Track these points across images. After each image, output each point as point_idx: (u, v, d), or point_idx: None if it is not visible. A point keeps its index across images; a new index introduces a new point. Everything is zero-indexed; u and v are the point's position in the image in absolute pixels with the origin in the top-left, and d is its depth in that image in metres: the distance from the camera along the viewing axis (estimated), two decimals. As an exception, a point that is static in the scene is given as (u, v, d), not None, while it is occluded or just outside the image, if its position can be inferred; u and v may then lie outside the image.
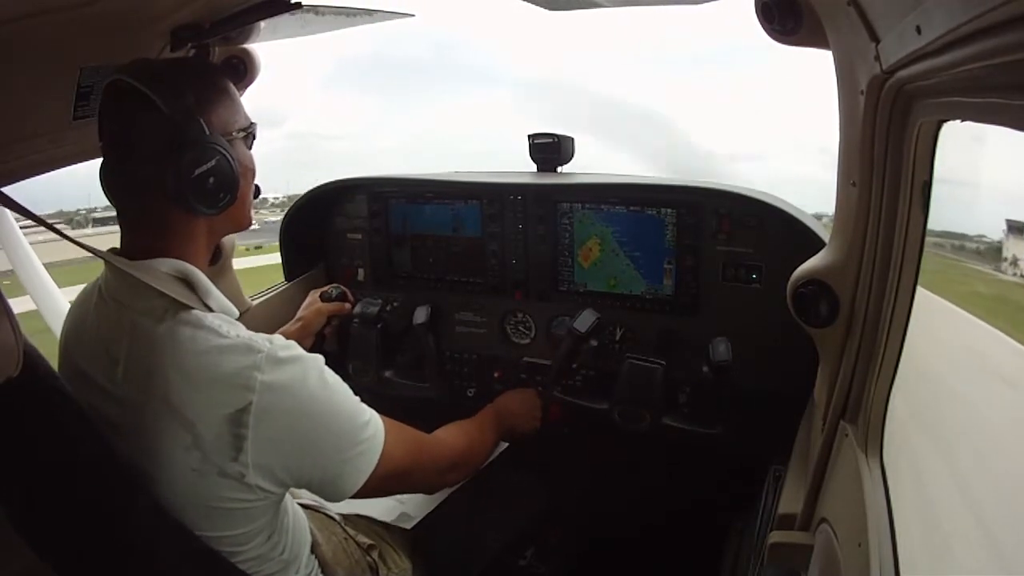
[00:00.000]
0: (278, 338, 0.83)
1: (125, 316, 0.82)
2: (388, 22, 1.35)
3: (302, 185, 1.78)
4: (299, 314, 1.55)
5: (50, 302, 2.14)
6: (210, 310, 0.84)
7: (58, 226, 0.84)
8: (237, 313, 0.87)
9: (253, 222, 0.98)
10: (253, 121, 0.93)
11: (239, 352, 0.79)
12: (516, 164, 1.70)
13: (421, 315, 1.58)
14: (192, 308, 0.81)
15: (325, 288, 1.60)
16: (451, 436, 1.15)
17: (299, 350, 0.84)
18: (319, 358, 0.86)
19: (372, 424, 0.90)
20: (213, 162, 0.82)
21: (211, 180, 0.82)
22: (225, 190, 0.84)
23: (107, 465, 0.78)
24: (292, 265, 1.78)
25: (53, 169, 1.17)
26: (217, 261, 1.50)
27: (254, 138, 0.94)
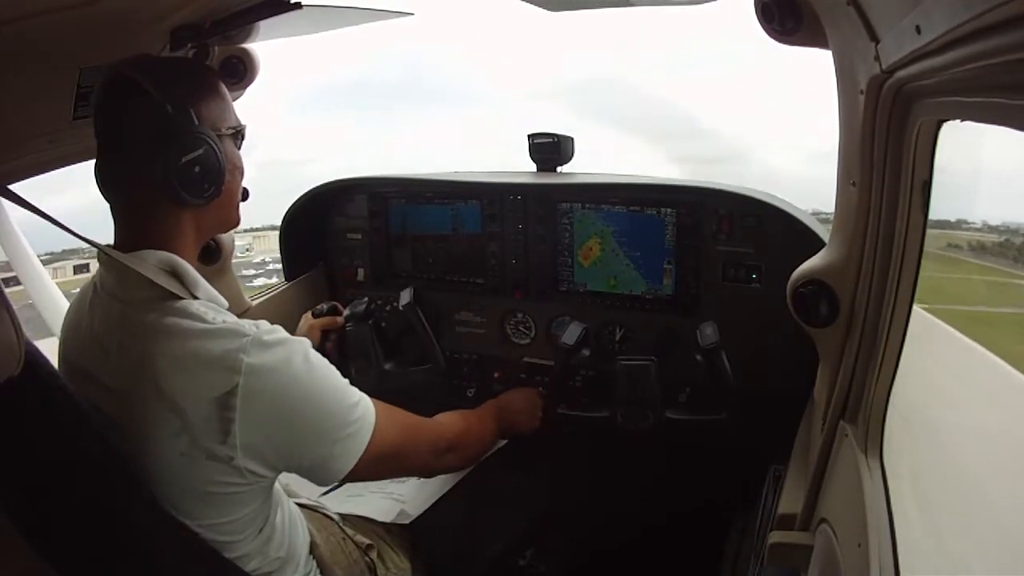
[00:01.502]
0: (264, 323, 0.84)
1: (116, 308, 0.84)
2: (386, 21, 1.35)
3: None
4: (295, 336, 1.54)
5: (50, 303, 2.14)
6: (198, 300, 0.85)
7: None
8: (226, 303, 0.88)
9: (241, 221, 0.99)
10: (244, 124, 0.95)
11: (225, 336, 0.80)
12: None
13: (405, 296, 1.57)
14: (180, 298, 0.83)
15: (316, 307, 1.59)
16: (450, 419, 1.15)
17: (285, 333, 0.85)
18: (305, 341, 0.87)
19: (361, 405, 0.90)
20: (200, 151, 0.84)
21: (197, 169, 0.84)
22: (211, 181, 0.86)
23: (107, 464, 0.78)
24: (292, 265, 1.78)
25: (53, 169, 1.18)
26: (216, 261, 1.50)
27: (243, 139, 0.95)
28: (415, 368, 1.61)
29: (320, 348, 1.53)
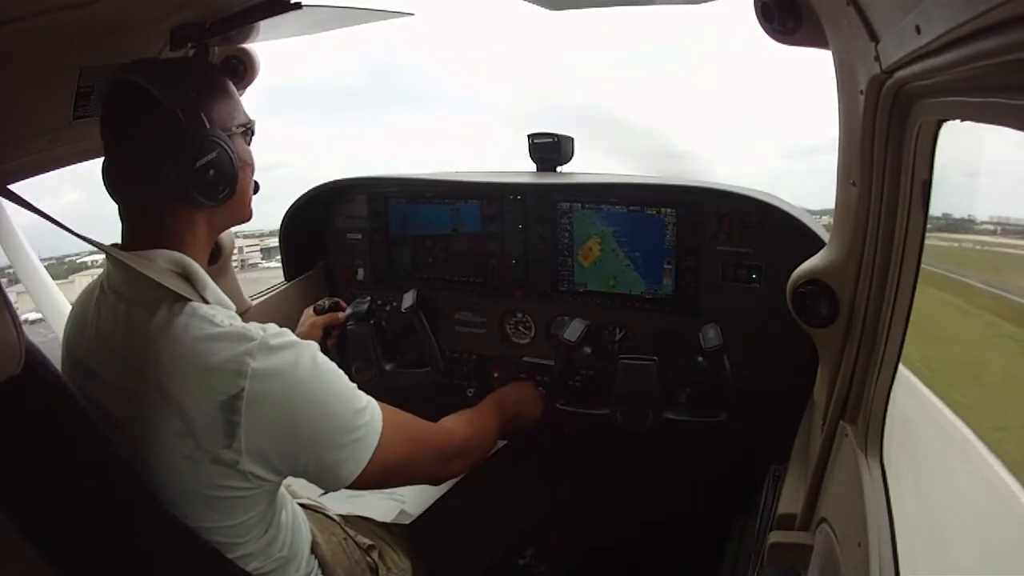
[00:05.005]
0: (271, 326, 0.84)
1: (123, 307, 0.83)
2: (386, 21, 1.35)
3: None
4: (296, 332, 1.54)
5: (51, 304, 2.14)
6: (206, 303, 0.84)
7: None
8: (234, 307, 0.88)
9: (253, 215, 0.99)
10: (252, 119, 0.94)
11: (232, 340, 0.79)
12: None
13: (408, 299, 1.57)
14: (189, 300, 0.82)
15: (318, 302, 1.59)
16: (455, 424, 1.14)
17: (292, 337, 0.84)
18: (313, 344, 0.86)
19: (369, 410, 0.90)
20: (213, 154, 0.84)
21: (211, 172, 0.84)
22: (225, 183, 0.86)
23: (108, 463, 0.78)
24: (292, 265, 1.78)
25: (53, 169, 1.18)
26: (217, 260, 1.51)
27: (253, 134, 0.96)
28: (414, 370, 1.61)
29: (322, 345, 1.53)
